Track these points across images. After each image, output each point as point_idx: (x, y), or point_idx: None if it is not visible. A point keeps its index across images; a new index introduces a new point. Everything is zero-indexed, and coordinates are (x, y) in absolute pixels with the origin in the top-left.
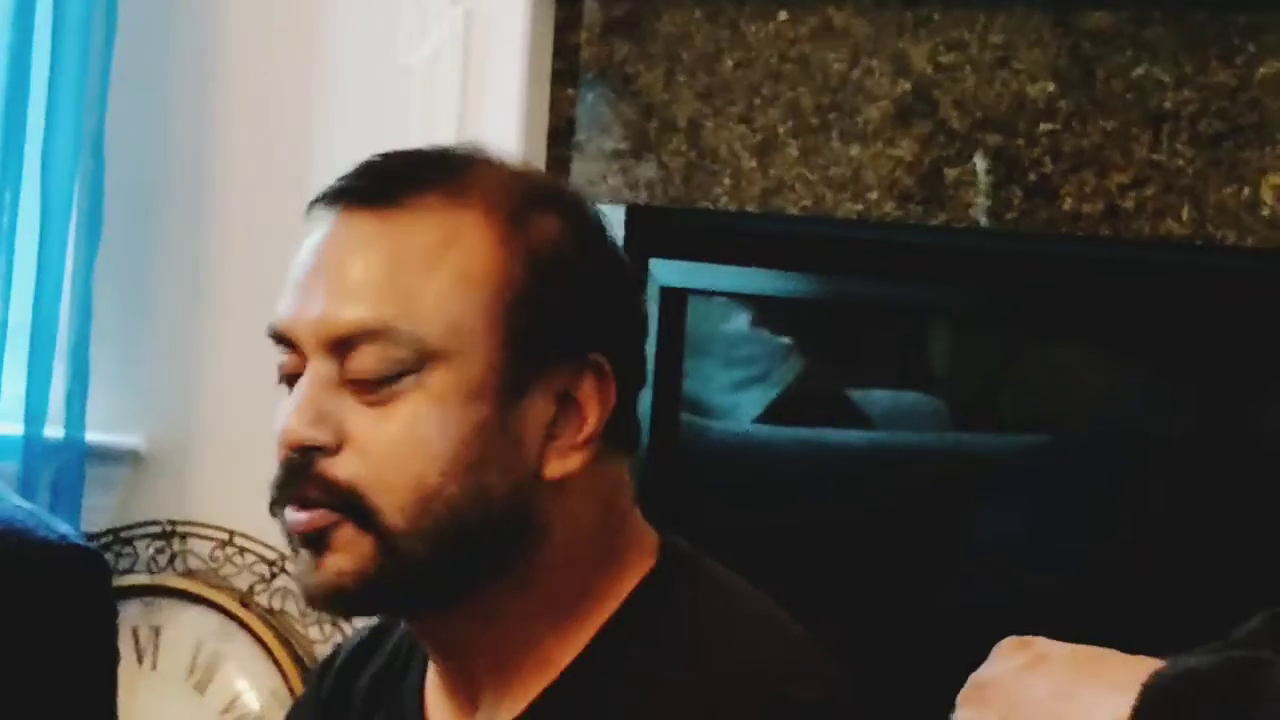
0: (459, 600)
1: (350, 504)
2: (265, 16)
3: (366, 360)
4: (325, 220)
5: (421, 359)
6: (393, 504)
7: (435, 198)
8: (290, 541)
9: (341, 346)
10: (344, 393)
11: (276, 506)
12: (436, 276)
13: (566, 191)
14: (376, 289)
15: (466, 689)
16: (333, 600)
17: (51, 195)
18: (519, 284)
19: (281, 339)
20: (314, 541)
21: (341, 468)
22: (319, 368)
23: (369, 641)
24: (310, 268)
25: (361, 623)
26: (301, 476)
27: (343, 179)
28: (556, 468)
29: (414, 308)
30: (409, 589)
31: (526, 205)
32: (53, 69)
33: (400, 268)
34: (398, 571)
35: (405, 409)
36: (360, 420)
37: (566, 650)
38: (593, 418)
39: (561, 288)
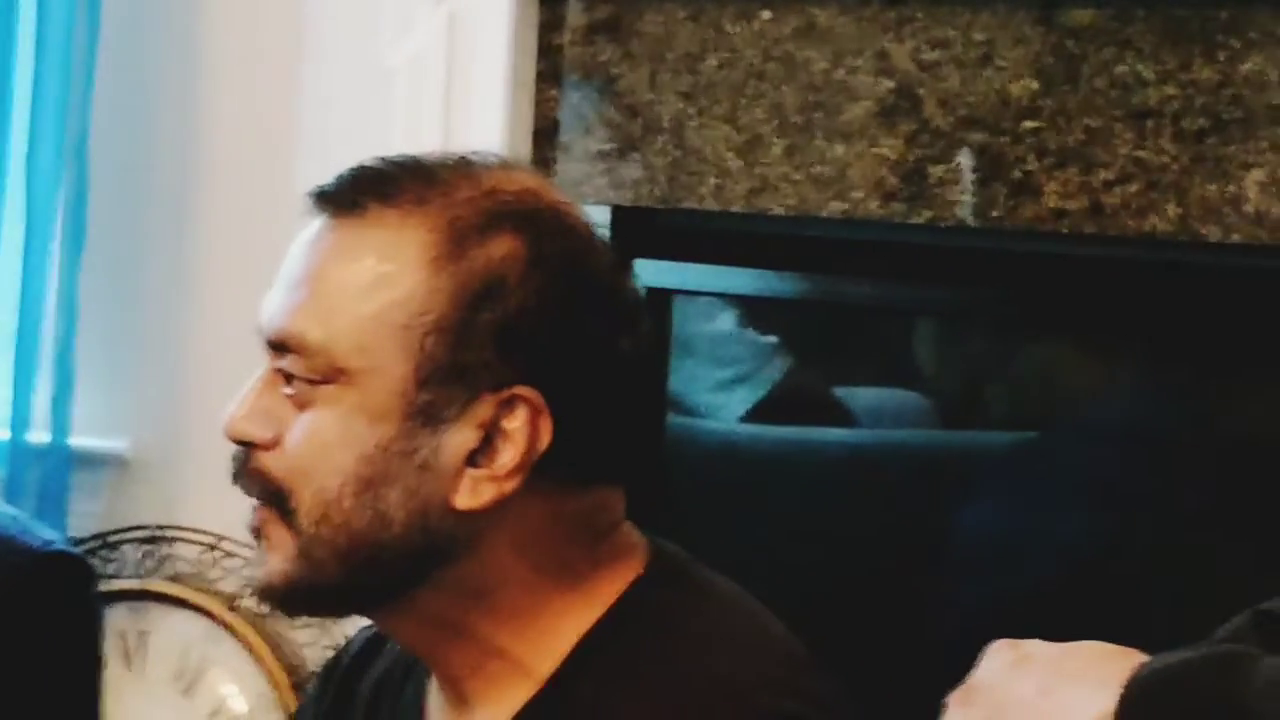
0: (390, 607)
1: (278, 499)
2: (248, 18)
3: (292, 367)
4: (308, 220)
5: (333, 374)
6: (305, 507)
7: (391, 213)
8: None
9: (280, 349)
10: (286, 396)
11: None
12: (359, 296)
13: (545, 214)
14: (306, 301)
15: (455, 695)
16: (266, 596)
17: (35, 200)
18: (442, 312)
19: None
20: (257, 538)
21: (274, 463)
22: (269, 366)
23: (376, 639)
24: (283, 268)
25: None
26: (241, 470)
27: (326, 183)
28: (466, 499)
29: (331, 324)
30: (328, 593)
31: (480, 227)
32: (36, 74)
33: (331, 283)
34: (313, 575)
35: (318, 417)
36: (293, 424)
37: (546, 660)
38: (513, 452)
39: (493, 319)
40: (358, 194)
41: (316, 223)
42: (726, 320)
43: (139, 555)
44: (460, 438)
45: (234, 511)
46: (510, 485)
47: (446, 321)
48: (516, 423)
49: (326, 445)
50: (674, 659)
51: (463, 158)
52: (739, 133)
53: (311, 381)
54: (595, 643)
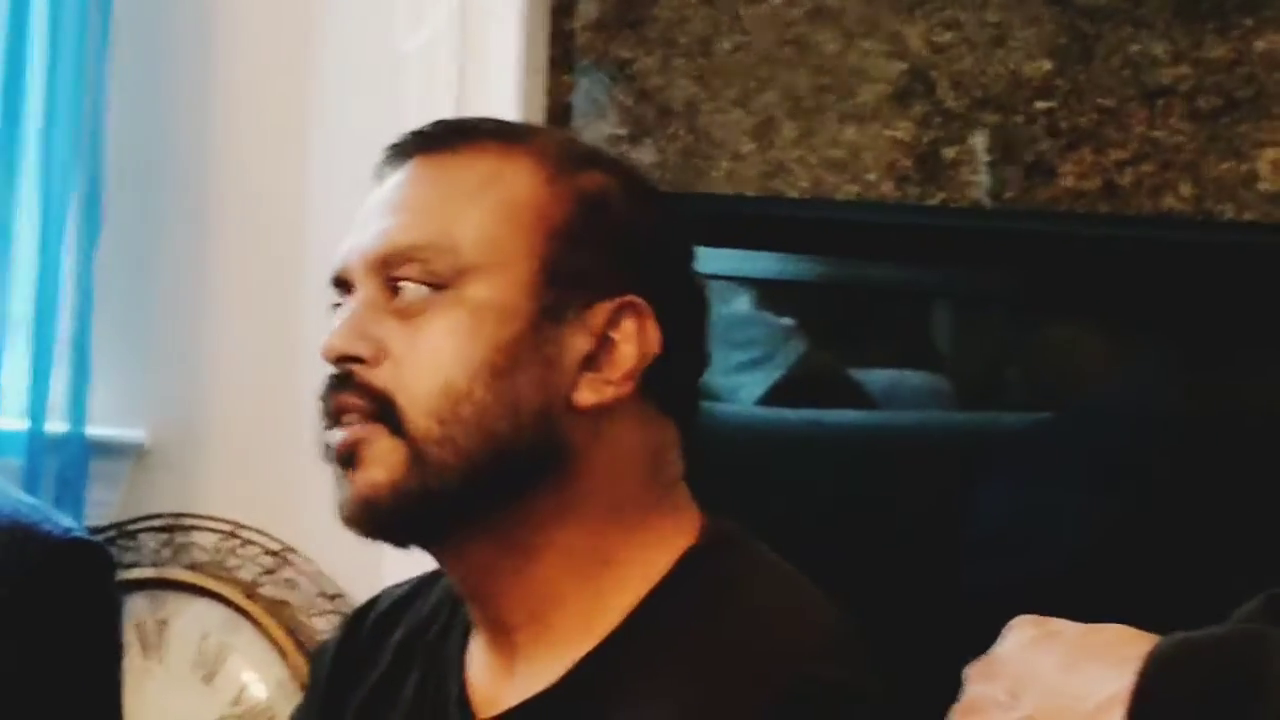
0: (489, 525)
1: (383, 411)
2: (262, 6)
3: (407, 276)
4: (388, 173)
5: (458, 273)
6: (422, 409)
7: (491, 144)
8: (334, 468)
9: (386, 267)
10: (388, 316)
11: (324, 429)
12: (480, 202)
13: (621, 162)
14: (421, 214)
15: (505, 648)
16: (364, 514)
17: (50, 189)
18: (562, 217)
19: (338, 280)
20: (348, 458)
21: (377, 376)
22: (365, 292)
23: (409, 596)
24: (369, 209)
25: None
26: (341, 390)
27: (406, 134)
28: (588, 395)
29: (455, 228)
30: (438, 502)
31: (578, 159)
32: (50, 63)
33: (447, 196)
34: (427, 482)
35: (441, 320)
36: (400, 337)
37: (605, 616)
38: (626, 356)
39: (606, 230)
40: (450, 134)
41: (403, 168)
42: (742, 303)
43: (157, 544)
44: (578, 340)
45: (252, 499)
46: (626, 389)
47: (564, 227)
48: (627, 329)
49: (455, 340)
50: (730, 624)
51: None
52: (752, 116)
53: (435, 285)
54: (655, 604)
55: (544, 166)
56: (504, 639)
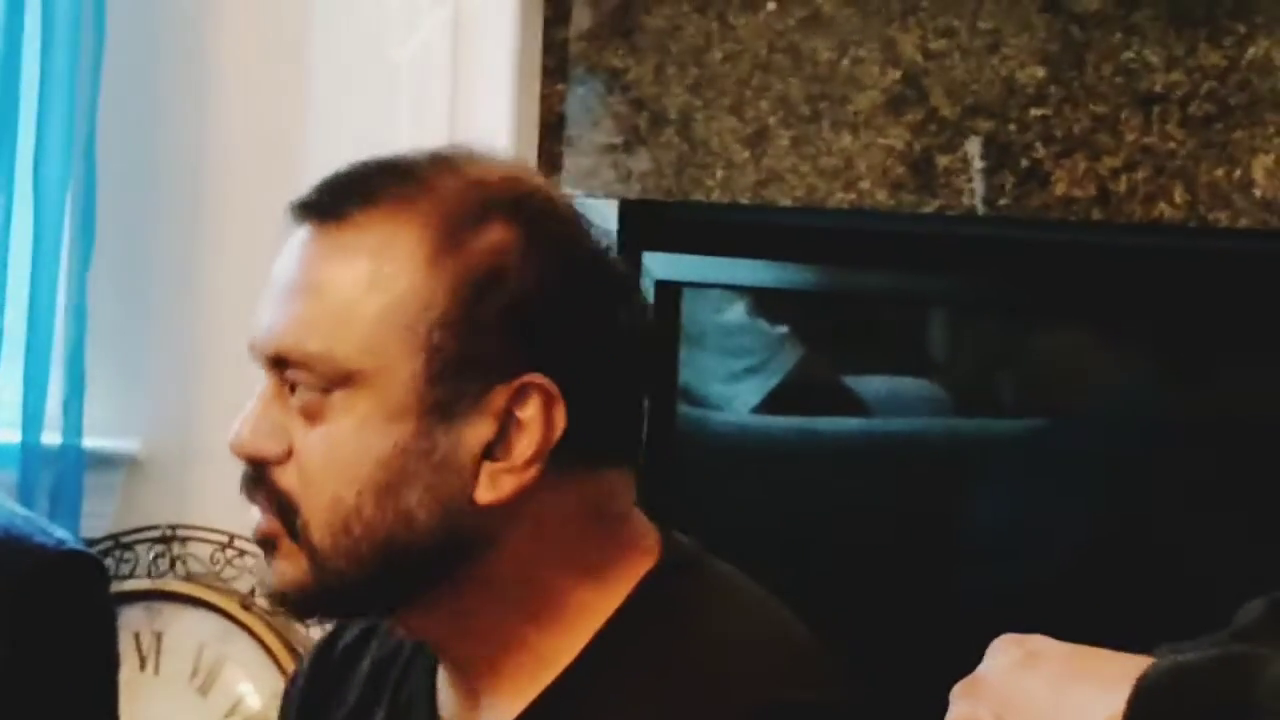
0: (410, 606)
1: (287, 515)
2: (255, 16)
3: (297, 378)
4: (291, 233)
5: (342, 380)
6: (318, 522)
7: (378, 214)
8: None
9: (279, 364)
10: (292, 410)
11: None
12: (359, 300)
13: (533, 199)
14: (300, 312)
15: (467, 684)
16: (280, 604)
17: (44, 200)
18: (446, 306)
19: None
20: (266, 546)
21: (285, 478)
22: (272, 380)
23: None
24: (270, 284)
25: None
26: (254, 487)
27: (305, 193)
28: (487, 493)
29: (332, 331)
30: (345, 601)
31: (472, 218)
32: (43, 73)
33: (325, 290)
34: (329, 584)
35: (330, 428)
36: (300, 434)
37: (564, 650)
38: (530, 441)
39: (498, 308)
40: (338, 200)
41: (300, 233)
42: (737, 312)
43: (152, 555)
44: (476, 431)
45: (246, 510)
46: (529, 475)
47: (450, 315)
48: (530, 411)
49: (342, 456)
50: (689, 651)
51: (438, 153)
52: (746, 124)
53: (321, 390)
54: (612, 635)
55: (430, 240)
56: (464, 680)
